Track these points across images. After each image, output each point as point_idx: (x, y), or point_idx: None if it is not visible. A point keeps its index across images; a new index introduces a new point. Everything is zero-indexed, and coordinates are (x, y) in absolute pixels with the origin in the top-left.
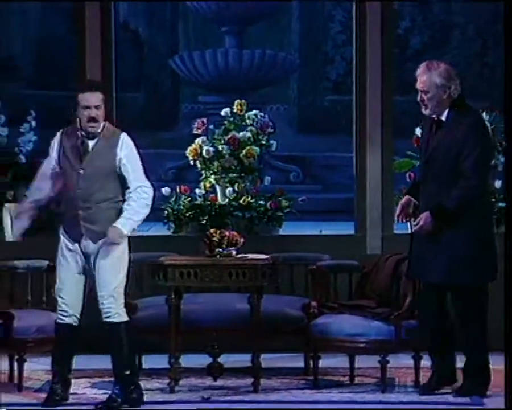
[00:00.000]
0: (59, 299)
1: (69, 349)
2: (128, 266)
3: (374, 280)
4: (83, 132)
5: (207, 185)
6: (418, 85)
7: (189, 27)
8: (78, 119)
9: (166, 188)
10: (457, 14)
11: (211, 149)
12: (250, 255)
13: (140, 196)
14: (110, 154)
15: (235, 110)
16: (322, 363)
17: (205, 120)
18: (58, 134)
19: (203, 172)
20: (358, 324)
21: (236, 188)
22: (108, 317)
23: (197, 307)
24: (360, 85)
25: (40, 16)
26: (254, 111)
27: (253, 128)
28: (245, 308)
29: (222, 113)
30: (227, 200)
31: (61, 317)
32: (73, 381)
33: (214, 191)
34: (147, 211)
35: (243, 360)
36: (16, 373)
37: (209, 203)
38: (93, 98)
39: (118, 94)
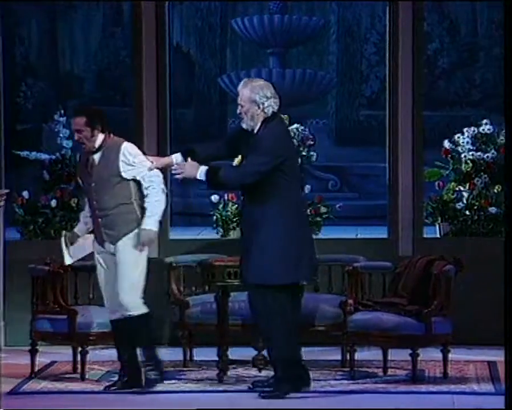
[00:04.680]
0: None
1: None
2: (148, 263)
3: (406, 279)
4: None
5: None
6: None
7: (236, 49)
8: None
9: (215, 195)
10: (482, 37)
11: None
12: None
13: (153, 190)
14: (113, 164)
15: None
16: (357, 356)
17: None
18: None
19: None
20: (391, 320)
21: None
22: (129, 310)
23: (242, 304)
24: (393, 101)
25: (101, 36)
26: (296, 125)
27: (295, 141)
28: None
29: None
30: None
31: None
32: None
33: None
34: (163, 197)
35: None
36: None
37: None
38: (73, 124)
39: (171, 110)
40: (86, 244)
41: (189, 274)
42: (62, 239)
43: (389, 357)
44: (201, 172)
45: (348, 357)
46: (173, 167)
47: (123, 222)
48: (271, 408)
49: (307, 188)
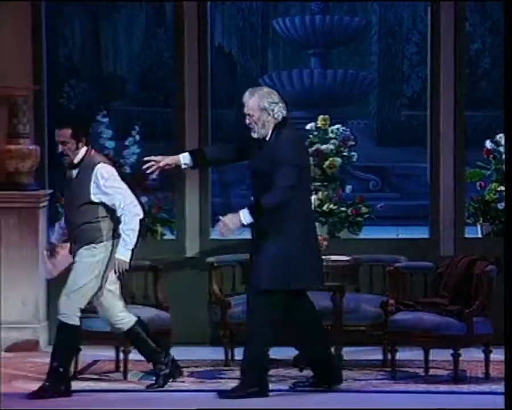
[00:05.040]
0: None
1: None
2: (102, 275)
3: (447, 279)
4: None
5: None
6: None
7: (277, 50)
8: None
9: None
10: None
11: None
12: (333, 257)
13: (125, 218)
14: (86, 185)
15: (319, 125)
16: (399, 356)
17: None
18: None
19: None
20: (432, 320)
21: (320, 196)
22: (60, 315)
23: None
24: (434, 101)
25: (144, 37)
26: (337, 126)
27: (336, 141)
28: (328, 305)
29: (307, 127)
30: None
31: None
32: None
33: None
34: (137, 224)
35: None
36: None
37: None
38: (58, 135)
39: (212, 110)
40: (67, 254)
41: (230, 274)
42: (45, 253)
43: (430, 357)
44: (244, 217)
45: (389, 357)
46: (217, 228)
47: (85, 238)
48: (310, 408)
49: (348, 188)
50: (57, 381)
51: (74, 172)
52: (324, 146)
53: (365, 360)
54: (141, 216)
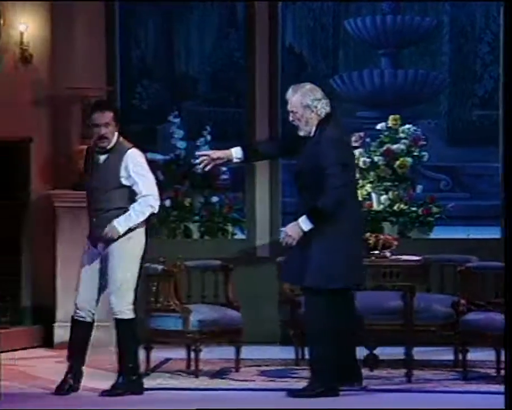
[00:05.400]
0: (77, 297)
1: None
2: (140, 267)
3: None
4: (96, 148)
5: (364, 193)
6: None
7: (348, 50)
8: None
9: None
10: None
11: (368, 160)
12: (403, 257)
13: (141, 203)
14: (115, 168)
15: (390, 125)
16: (470, 356)
17: (362, 134)
18: (89, 150)
19: (360, 181)
20: (504, 321)
21: (390, 196)
22: (114, 313)
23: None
24: (506, 100)
25: (215, 37)
26: (407, 126)
27: (406, 141)
28: (399, 305)
29: (378, 127)
30: (382, 206)
31: (77, 314)
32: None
33: (370, 198)
34: (141, 218)
35: (396, 352)
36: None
37: (365, 209)
38: (101, 117)
39: (283, 111)
40: None
41: None
42: None
43: (502, 358)
44: (304, 224)
45: (460, 357)
46: (281, 240)
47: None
48: (381, 407)
49: (419, 188)
50: (129, 379)
51: (103, 157)
52: (395, 146)
53: (436, 360)
54: (155, 210)
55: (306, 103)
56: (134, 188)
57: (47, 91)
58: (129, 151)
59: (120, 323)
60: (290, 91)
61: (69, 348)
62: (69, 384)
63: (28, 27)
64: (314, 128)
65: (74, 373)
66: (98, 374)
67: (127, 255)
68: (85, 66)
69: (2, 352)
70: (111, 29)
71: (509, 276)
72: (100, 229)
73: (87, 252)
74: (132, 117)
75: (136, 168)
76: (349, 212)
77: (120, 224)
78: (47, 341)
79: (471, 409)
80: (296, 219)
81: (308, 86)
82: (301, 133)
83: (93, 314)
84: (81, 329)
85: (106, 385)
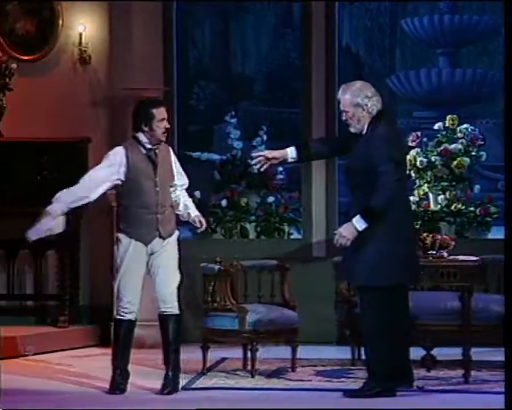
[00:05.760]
0: (123, 297)
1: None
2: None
3: None
4: (150, 146)
5: (421, 193)
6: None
7: (405, 49)
8: (142, 133)
9: None
10: None
11: (425, 160)
12: (461, 257)
13: (184, 195)
14: (169, 164)
15: (447, 124)
16: None
17: (419, 133)
18: (122, 150)
19: (417, 181)
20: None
21: (447, 196)
22: (167, 308)
23: (412, 304)
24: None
25: (272, 37)
26: (465, 125)
27: (464, 141)
28: (456, 306)
29: (435, 127)
30: (439, 206)
31: (123, 313)
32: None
33: (427, 198)
34: None
35: (454, 353)
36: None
37: (422, 209)
38: (164, 113)
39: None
40: (53, 225)
41: None
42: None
43: None
44: (358, 224)
45: None
46: (335, 242)
47: (172, 221)
48: (438, 407)
49: (477, 188)
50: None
51: (157, 151)
52: (452, 146)
53: (494, 361)
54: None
55: (356, 102)
56: (182, 182)
57: (105, 92)
58: (170, 148)
59: (171, 318)
60: (341, 90)
61: (114, 347)
62: (118, 383)
63: (86, 27)
64: (366, 126)
65: (120, 372)
66: (142, 372)
67: (176, 252)
68: (143, 67)
69: (60, 350)
70: (168, 30)
71: (509, 276)
72: (166, 224)
73: (133, 252)
74: (189, 117)
75: (177, 164)
76: (400, 209)
77: (198, 212)
78: (104, 341)
79: None
80: (348, 218)
81: (358, 84)
82: (353, 130)
83: (136, 313)
84: (126, 329)
85: (151, 383)
